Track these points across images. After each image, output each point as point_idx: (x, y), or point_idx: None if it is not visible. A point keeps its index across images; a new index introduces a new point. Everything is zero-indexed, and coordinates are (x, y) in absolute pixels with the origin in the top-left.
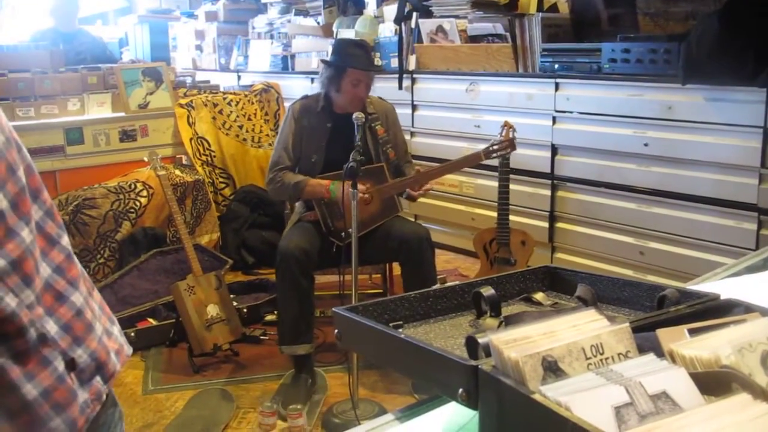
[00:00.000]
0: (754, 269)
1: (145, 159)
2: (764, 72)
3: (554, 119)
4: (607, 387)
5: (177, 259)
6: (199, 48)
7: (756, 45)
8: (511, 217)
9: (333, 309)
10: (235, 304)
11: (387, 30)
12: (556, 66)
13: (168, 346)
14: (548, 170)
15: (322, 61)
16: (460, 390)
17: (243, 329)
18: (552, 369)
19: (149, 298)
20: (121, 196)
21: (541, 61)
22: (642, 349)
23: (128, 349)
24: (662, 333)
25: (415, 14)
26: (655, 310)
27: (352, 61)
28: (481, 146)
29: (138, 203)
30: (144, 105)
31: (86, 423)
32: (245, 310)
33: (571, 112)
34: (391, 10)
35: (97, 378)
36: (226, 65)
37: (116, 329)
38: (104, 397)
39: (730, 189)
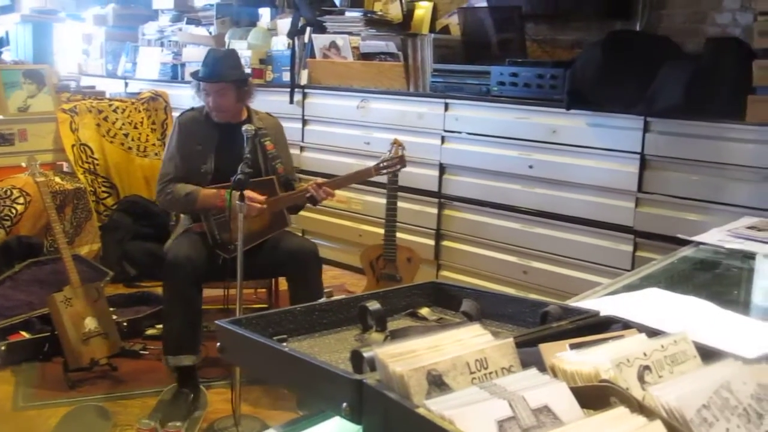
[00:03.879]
0: (631, 288)
1: (24, 164)
2: (642, 101)
3: (443, 139)
4: (490, 401)
5: (54, 269)
6: (85, 52)
7: (635, 75)
8: (398, 234)
9: (216, 321)
10: (115, 317)
11: (280, 43)
12: (446, 86)
13: (42, 361)
14: (436, 189)
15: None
16: (344, 404)
17: (122, 343)
18: (437, 383)
19: (23, 309)
20: None
21: (432, 81)
22: (525, 364)
23: None
24: (545, 348)
25: (308, 29)
26: (538, 326)
27: (197, 72)
28: (371, 163)
29: (14, 210)
30: (24, 108)
31: None
32: (125, 323)
33: (459, 133)
34: (285, 24)
35: None
36: (113, 71)
37: None
38: None
39: (608, 212)
